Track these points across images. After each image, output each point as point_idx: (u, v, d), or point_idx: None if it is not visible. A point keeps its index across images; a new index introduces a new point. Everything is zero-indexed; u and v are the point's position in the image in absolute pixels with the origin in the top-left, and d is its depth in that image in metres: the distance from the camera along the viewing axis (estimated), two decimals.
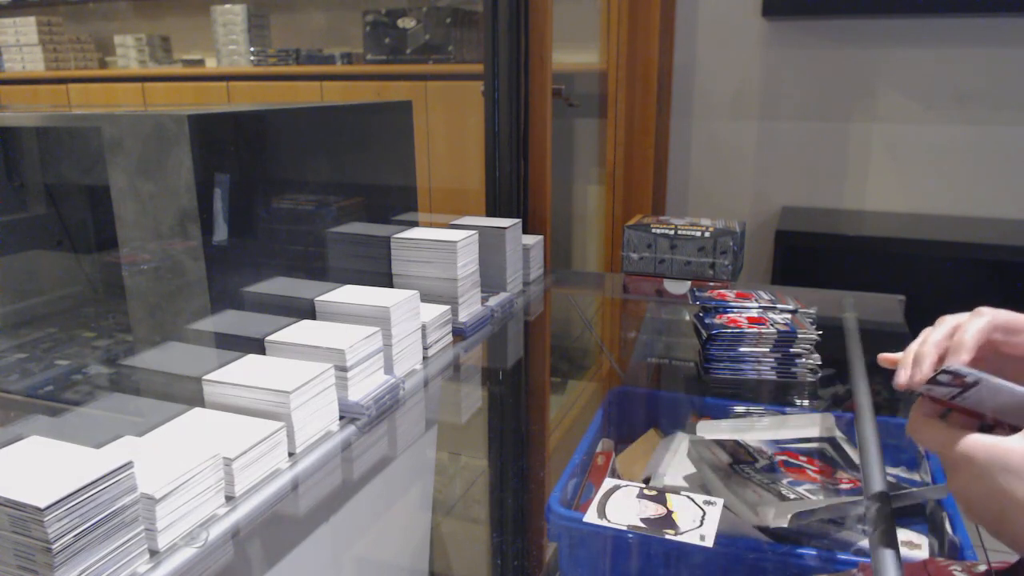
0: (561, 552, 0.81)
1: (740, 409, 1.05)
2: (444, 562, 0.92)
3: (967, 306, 0.62)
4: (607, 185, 2.54)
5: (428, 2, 3.05)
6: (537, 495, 0.96)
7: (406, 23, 3.00)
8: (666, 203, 2.73)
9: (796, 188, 2.58)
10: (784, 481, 0.85)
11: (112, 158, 0.85)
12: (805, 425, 0.96)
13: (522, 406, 1.25)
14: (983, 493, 0.55)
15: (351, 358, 0.90)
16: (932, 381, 0.57)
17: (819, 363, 1.09)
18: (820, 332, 1.09)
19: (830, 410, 1.01)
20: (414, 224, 1.29)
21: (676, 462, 0.97)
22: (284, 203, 0.98)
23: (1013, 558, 0.64)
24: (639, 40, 2.39)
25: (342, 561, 0.81)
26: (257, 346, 0.93)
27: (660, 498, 0.75)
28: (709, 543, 0.69)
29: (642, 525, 0.71)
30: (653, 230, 1.53)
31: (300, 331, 0.95)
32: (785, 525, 0.73)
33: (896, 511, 0.70)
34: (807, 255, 2.23)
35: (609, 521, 0.72)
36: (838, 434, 0.95)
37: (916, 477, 0.93)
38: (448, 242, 1.17)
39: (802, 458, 0.91)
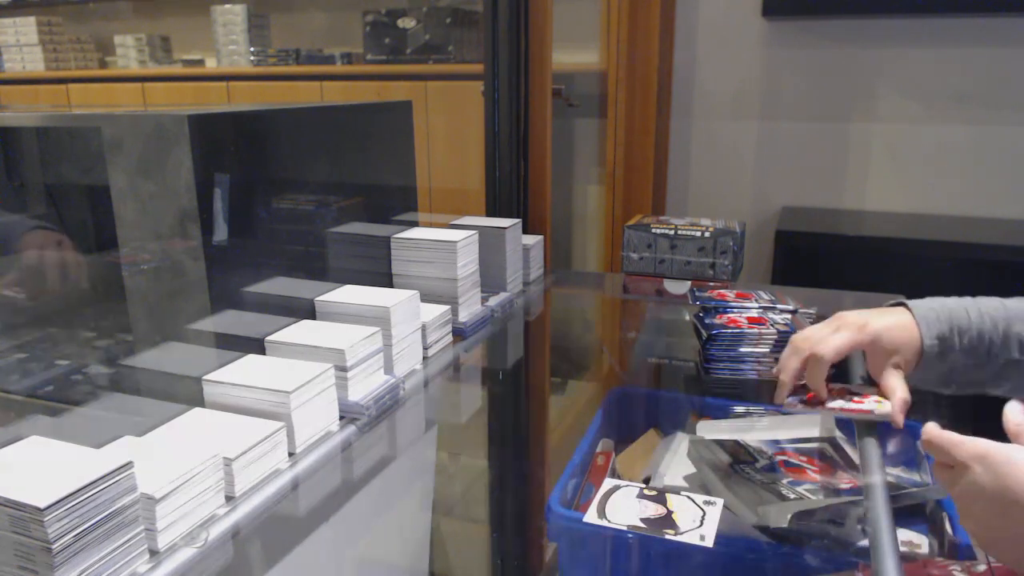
0: (561, 552, 0.81)
1: (740, 409, 1.05)
2: (444, 562, 0.92)
3: None
4: (607, 185, 2.54)
5: (428, 2, 3.05)
6: (537, 495, 0.96)
7: (406, 23, 3.00)
8: (666, 203, 2.73)
9: (796, 188, 2.58)
10: (784, 481, 0.85)
11: (112, 158, 0.85)
12: (805, 425, 0.96)
13: (522, 406, 1.25)
14: (991, 487, 0.58)
15: (351, 358, 0.90)
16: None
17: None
18: None
19: None
20: (414, 224, 1.29)
21: (676, 462, 0.97)
22: (284, 203, 0.98)
23: None
24: (639, 40, 2.39)
25: (342, 561, 0.81)
26: (257, 346, 0.93)
27: (660, 498, 0.75)
28: (709, 543, 0.69)
29: (642, 525, 0.71)
30: (653, 230, 1.53)
31: (300, 331, 0.95)
32: (785, 525, 0.73)
33: (896, 511, 0.70)
34: (807, 255, 2.23)
35: (609, 521, 0.72)
36: (838, 434, 0.95)
37: (916, 477, 0.93)
38: (448, 242, 1.17)
39: (802, 458, 0.91)
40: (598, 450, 1.03)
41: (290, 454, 0.81)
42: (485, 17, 1.52)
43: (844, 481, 0.86)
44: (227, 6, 3.37)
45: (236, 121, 0.90)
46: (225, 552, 0.68)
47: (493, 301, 1.30)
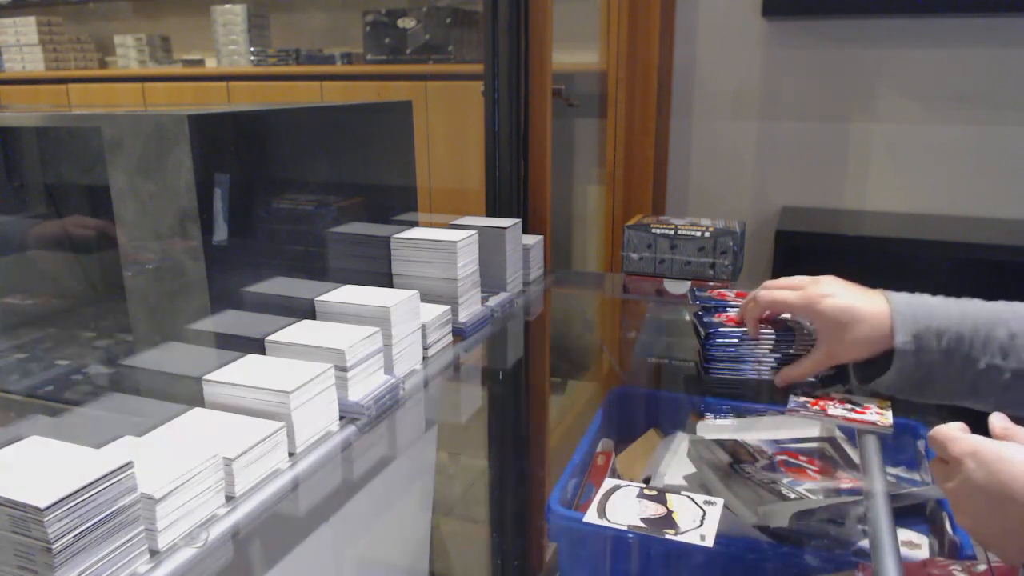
0: (561, 552, 0.82)
1: (740, 409, 1.05)
2: (444, 562, 0.92)
3: None
4: (607, 185, 2.54)
5: (428, 2, 3.05)
6: (537, 495, 0.96)
7: (406, 23, 3.00)
8: (666, 203, 2.73)
9: (796, 188, 2.58)
10: (784, 481, 0.85)
11: (112, 158, 0.85)
12: (805, 425, 0.96)
13: (522, 406, 1.25)
14: (983, 483, 0.58)
15: (351, 358, 0.90)
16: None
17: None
18: (814, 340, 1.10)
19: None
20: (414, 224, 1.29)
21: (676, 462, 0.97)
22: (284, 203, 0.98)
23: None
24: (639, 40, 2.39)
25: (342, 561, 0.81)
26: (257, 346, 0.93)
27: (660, 498, 0.75)
28: (709, 543, 0.69)
29: (642, 525, 0.71)
30: (653, 230, 1.53)
31: (300, 331, 0.95)
32: (785, 525, 0.73)
33: (896, 511, 0.70)
34: (807, 255, 2.23)
35: (609, 521, 0.72)
36: (838, 434, 0.95)
37: (916, 477, 0.93)
38: (448, 242, 1.17)
39: (802, 458, 0.91)
40: (598, 450, 1.03)
41: (290, 454, 0.81)
42: (485, 17, 1.52)
43: (844, 481, 0.86)
44: (227, 6, 3.37)
45: (236, 121, 0.90)
46: (225, 552, 0.68)
47: (493, 301, 1.30)
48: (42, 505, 0.53)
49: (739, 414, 1.05)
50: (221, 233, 0.86)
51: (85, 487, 0.56)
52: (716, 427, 0.99)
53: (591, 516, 0.72)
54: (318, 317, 1.03)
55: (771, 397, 1.09)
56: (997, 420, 0.65)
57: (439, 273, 1.19)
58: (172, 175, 0.83)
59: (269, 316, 0.96)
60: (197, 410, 0.81)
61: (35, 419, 0.94)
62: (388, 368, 0.99)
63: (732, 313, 1.17)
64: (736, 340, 1.06)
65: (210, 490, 0.69)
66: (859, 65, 2.42)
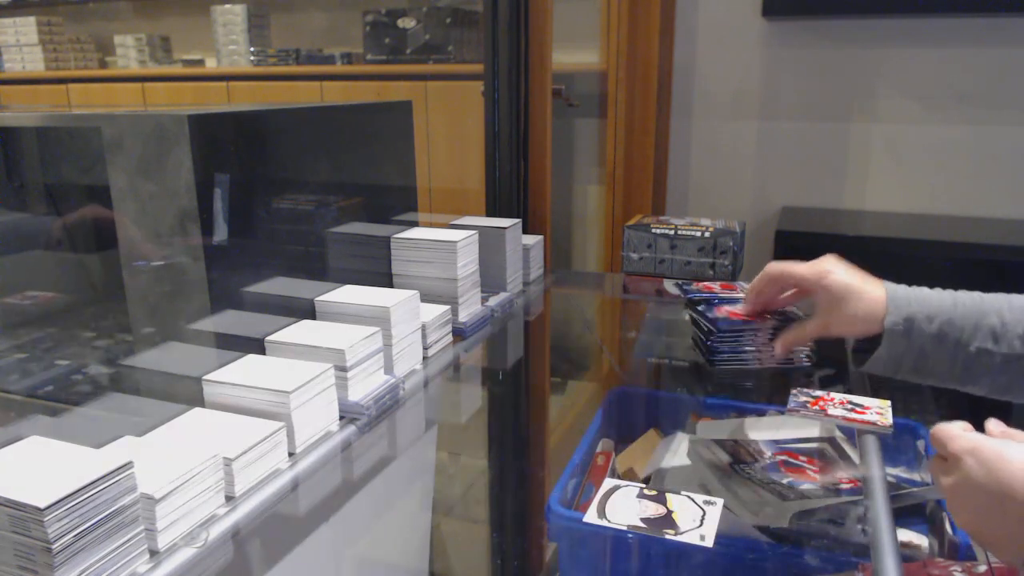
0: (561, 552, 0.82)
1: (740, 409, 1.05)
2: (444, 562, 0.92)
3: None
4: (607, 185, 2.54)
5: (428, 2, 3.05)
6: (537, 495, 0.96)
7: (406, 23, 3.00)
8: (666, 203, 2.73)
9: (796, 188, 2.58)
10: (784, 481, 0.85)
11: (112, 158, 0.85)
12: (805, 425, 0.96)
13: (522, 406, 1.25)
14: (983, 481, 0.59)
15: (351, 358, 0.90)
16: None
17: (813, 348, 1.11)
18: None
19: None
20: (414, 224, 1.29)
21: (676, 462, 0.97)
22: (284, 203, 0.98)
23: None
24: (639, 40, 2.39)
25: (342, 561, 0.81)
26: (257, 346, 0.93)
27: (660, 498, 0.75)
28: (709, 543, 0.69)
29: (642, 525, 0.71)
30: (653, 230, 1.53)
31: (300, 331, 0.95)
32: (785, 525, 0.73)
33: (896, 511, 0.70)
34: (807, 255, 2.22)
35: (609, 521, 0.72)
36: (838, 434, 0.95)
37: (916, 477, 0.93)
38: (448, 242, 1.17)
39: (802, 458, 0.91)
40: (598, 450, 1.03)
41: (290, 454, 0.81)
42: (485, 17, 1.52)
43: (844, 481, 0.86)
44: (227, 6, 3.37)
45: (236, 121, 0.90)
46: (225, 552, 0.68)
47: (493, 301, 1.30)
48: (42, 505, 0.53)
49: (739, 414, 1.05)
50: (221, 233, 0.86)
51: (85, 487, 0.56)
52: (716, 427, 0.99)
53: (591, 516, 0.72)
54: (318, 317, 1.03)
55: (771, 397, 1.09)
56: (994, 426, 0.65)
57: (439, 273, 1.19)
58: (172, 175, 0.83)
59: (269, 316, 0.96)
60: (197, 410, 0.81)
61: (35, 419, 0.94)
62: (388, 368, 0.99)
63: (729, 306, 1.18)
64: (740, 330, 1.07)
65: (210, 490, 0.69)
66: (859, 65, 2.41)
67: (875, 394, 0.89)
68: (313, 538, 0.77)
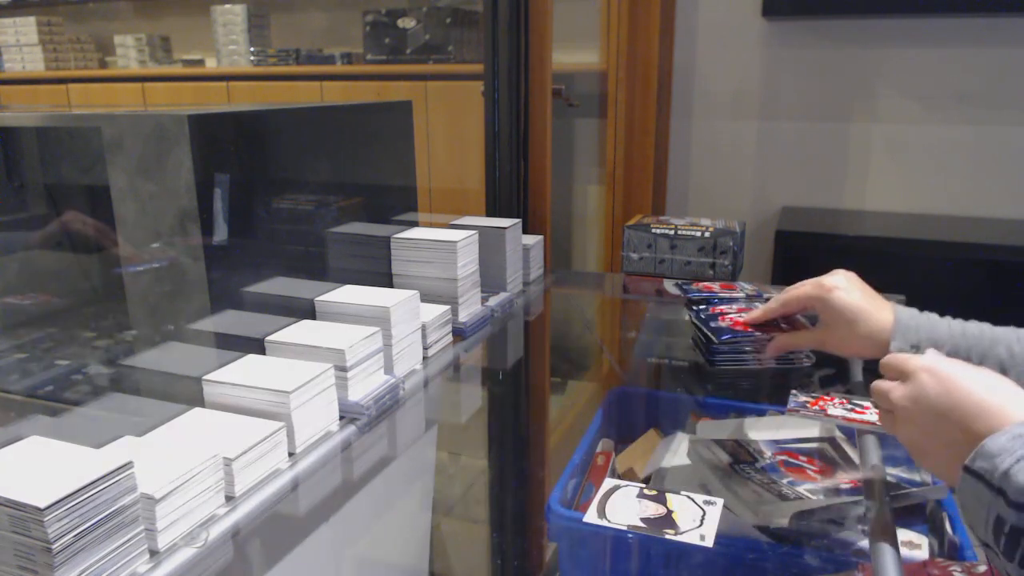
0: (561, 552, 0.81)
1: (740, 409, 1.05)
2: (444, 562, 0.92)
3: (966, 306, 0.65)
4: (607, 185, 2.54)
5: (428, 2, 3.05)
6: (537, 495, 0.96)
7: (406, 23, 3.00)
8: (666, 203, 2.73)
9: (796, 188, 2.58)
10: (784, 481, 0.85)
11: (112, 158, 0.85)
12: (805, 425, 0.96)
13: (522, 406, 1.25)
14: (934, 395, 0.61)
15: (351, 358, 0.90)
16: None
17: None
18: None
19: None
20: (414, 224, 1.29)
21: (676, 462, 0.97)
22: (284, 203, 0.98)
23: None
24: (639, 40, 2.39)
25: (342, 561, 0.81)
26: (257, 346, 0.93)
27: (660, 498, 0.75)
28: (709, 543, 0.69)
29: (642, 525, 0.71)
30: (653, 230, 1.53)
31: (300, 331, 0.95)
32: (785, 525, 0.73)
33: (896, 511, 0.70)
34: (807, 255, 2.23)
35: (609, 521, 0.72)
36: (838, 434, 0.95)
37: (916, 477, 0.93)
38: (448, 242, 1.17)
39: (802, 458, 0.91)
40: (598, 450, 1.03)
41: (290, 454, 0.81)
42: (485, 17, 1.52)
43: (844, 481, 0.86)
44: (227, 6, 3.37)
45: (236, 121, 0.90)
46: (225, 552, 0.68)
47: (493, 301, 1.30)
48: (42, 505, 0.53)
49: (739, 414, 1.05)
50: (221, 233, 0.86)
51: (85, 487, 0.56)
52: (716, 427, 0.99)
53: (591, 516, 0.72)
54: (318, 317, 1.03)
55: (771, 397, 1.09)
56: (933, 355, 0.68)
57: (439, 273, 1.19)
58: (172, 175, 0.83)
59: (269, 316, 0.96)
60: (197, 410, 0.81)
61: (35, 419, 0.94)
62: (388, 368, 0.99)
63: (727, 307, 1.19)
64: (739, 341, 1.07)
65: (210, 490, 0.69)
66: (859, 65, 2.42)
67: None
68: (313, 538, 0.77)
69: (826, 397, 0.90)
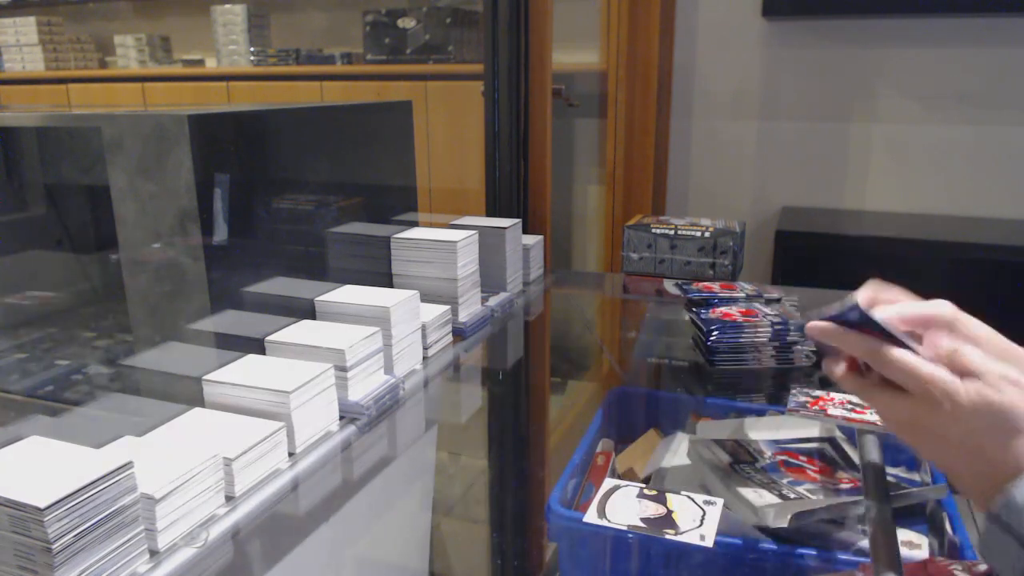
0: (561, 552, 0.81)
1: (740, 409, 1.05)
2: (444, 562, 0.92)
3: (966, 306, 0.63)
4: (607, 185, 2.54)
5: (428, 2, 3.05)
6: (537, 495, 0.96)
7: (406, 23, 3.00)
8: (666, 203, 2.73)
9: (796, 188, 2.58)
10: (784, 481, 0.85)
11: (112, 158, 0.85)
12: (805, 425, 0.96)
13: (522, 406, 1.25)
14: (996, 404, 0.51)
15: (351, 358, 0.90)
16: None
17: (813, 348, 1.11)
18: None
19: None
20: (414, 224, 1.29)
21: (676, 462, 0.97)
22: (284, 203, 0.98)
23: None
24: (639, 40, 2.39)
25: (342, 561, 0.81)
26: (257, 346, 0.93)
27: (660, 498, 0.75)
28: (709, 543, 0.69)
29: (642, 525, 0.71)
30: (653, 230, 1.53)
31: (300, 331, 0.95)
32: (785, 525, 0.73)
33: (896, 511, 0.70)
34: (807, 255, 2.23)
35: (609, 521, 0.72)
36: (838, 434, 0.95)
37: (916, 477, 0.93)
38: (448, 242, 1.17)
39: (802, 458, 0.91)
40: (598, 450, 1.03)
41: (290, 454, 0.81)
42: (485, 17, 1.52)
43: (844, 481, 0.86)
44: (227, 6, 3.37)
45: (236, 121, 0.90)
46: (225, 552, 0.68)
47: (493, 301, 1.30)
48: (42, 505, 0.53)
49: (739, 414, 1.05)
50: (221, 233, 0.86)
51: (85, 487, 0.56)
52: (716, 427, 0.99)
53: (591, 516, 0.72)
54: (318, 317, 1.03)
55: (771, 397, 1.09)
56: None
57: (439, 273, 1.19)
58: (172, 175, 0.83)
59: (269, 316, 0.96)
60: (197, 410, 0.81)
61: (35, 419, 0.94)
62: (388, 368, 0.99)
63: (724, 307, 1.19)
64: (736, 331, 1.08)
65: (210, 490, 0.69)
66: (859, 65, 2.41)
67: None
68: (313, 538, 0.77)
69: (826, 397, 0.90)
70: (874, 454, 0.78)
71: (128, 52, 3.69)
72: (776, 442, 0.95)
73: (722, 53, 2.56)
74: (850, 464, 0.90)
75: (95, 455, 0.60)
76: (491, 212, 1.60)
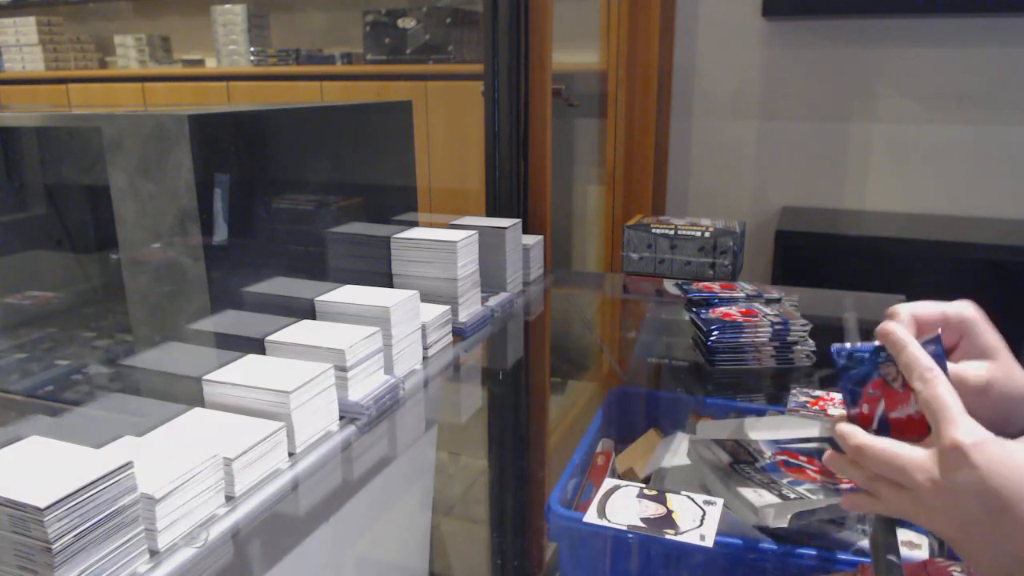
0: (561, 552, 0.81)
1: (740, 409, 1.05)
2: (444, 562, 0.92)
3: None
4: (607, 185, 2.54)
5: (428, 2, 3.05)
6: (537, 495, 0.96)
7: (406, 23, 3.00)
8: (666, 203, 2.73)
9: (796, 188, 2.58)
10: (784, 481, 0.85)
11: (112, 158, 0.85)
12: (805, 425, 0.96)
13: (522, 406, 1.25)
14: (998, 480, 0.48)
15: (351, 358, 0.90)
16: None
17: (813, 349, 1.12)
18: (809, 326, 1.12)
19: None
20: (414, 224, 1.29)
21: (676, 462, 0.97)
22: (284, 203, 0.98)
23: None
24: (639, 40, 2.39)
25: (342, 561, 0.81)
26: (257, 346, 0.93)
27: (660, 498, 0.75)
28: (709, 543, 0.69)
29: (642, 525, 0.71)
30: (653, 230, 1.53)
31: (300, 331, 0.95)
32: (785, 525, 0.73)
33: None
34: (807, 255, 2.23)
35: (609, 521, 0.72)
36: None
37: None
38: (448, 242, 1.17)
39: (802, 458, 0.91)
40: (598, 450, 1.03)
41: (290, 454, 0.81)
42: (485, 17, 1.52)
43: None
44: (227, 6, 3.37)
45: (236, 121, 0.90)
46: (225, 552, 0.68)
47: (493, 301, 1.30)
48: (42, 505, 0.53)
49: (739, 414, 1.05)
50: (221, 233, 0.86)
51: (85, 487, 0.56)
52: (716, 427, 0.99)
53: (591, 516, 0.72)
54: (318, 317, 1.03)
55: (771, 397, 1.09)
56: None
57: (439, 273, 1.19)
58: (172, 175, 0.83)
59: (269, 316, 0.96)
60: (197, 410, 0.81)
61: (35, 419, 0.94)
62: (388, 368, 0.99)
63: (724, 307, 1.19)
64: (736, 331, 1.08)
65: (210, 490, 0.69)
66: (859, 65, 2.41)
67: None
68: (313, 538, 0.77)
69: (826, 397, 0.90)
70: None
71: (128, 52, 3.69)
72: (776, 442, 0.95)
73: (722, 53, 2.56)
74: None
75: (95, 455, 0.60)
76: (491, 212, 1.60)
